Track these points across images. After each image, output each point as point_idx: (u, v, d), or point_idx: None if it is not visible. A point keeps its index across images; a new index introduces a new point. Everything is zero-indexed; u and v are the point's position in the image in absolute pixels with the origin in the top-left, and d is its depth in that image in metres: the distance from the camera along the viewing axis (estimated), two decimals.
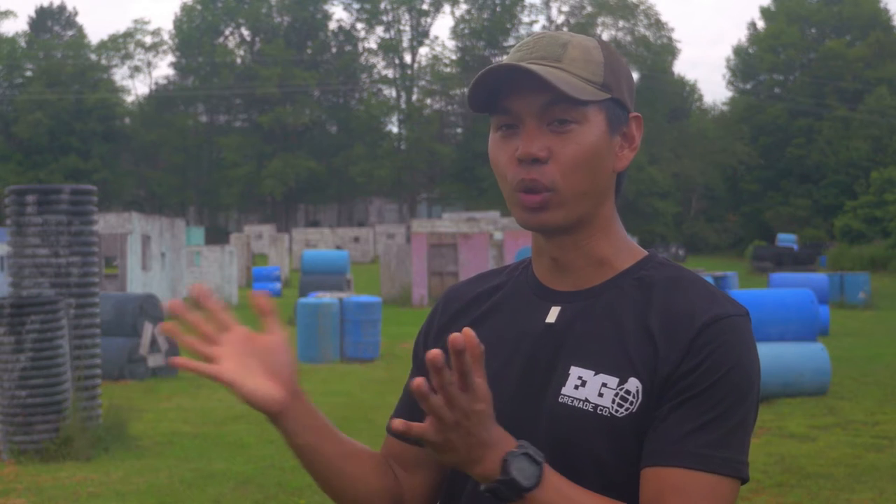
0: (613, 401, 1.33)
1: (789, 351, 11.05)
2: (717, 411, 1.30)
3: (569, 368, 1.37)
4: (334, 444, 1.45)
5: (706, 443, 1.29)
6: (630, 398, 1.33)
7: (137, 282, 24.89)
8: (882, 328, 20.83)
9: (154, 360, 13.65)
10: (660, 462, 1.30)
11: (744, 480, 1.33)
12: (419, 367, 1.56)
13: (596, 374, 1.35)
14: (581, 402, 1.34)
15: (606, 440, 1.33)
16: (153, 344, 13.68)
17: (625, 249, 1.45)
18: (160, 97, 79.59)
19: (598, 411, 1.33)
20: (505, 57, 1.44)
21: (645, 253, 1.47)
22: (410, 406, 1.53)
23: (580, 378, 1.36)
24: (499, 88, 1.39)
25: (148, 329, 13.61)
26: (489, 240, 29.75)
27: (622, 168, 1.43)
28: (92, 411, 8.80)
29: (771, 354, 10.89)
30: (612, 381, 1.34)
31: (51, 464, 7.97)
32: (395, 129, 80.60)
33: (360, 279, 37.27)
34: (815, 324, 11.39)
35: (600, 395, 1.34)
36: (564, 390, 1.36)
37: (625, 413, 1.32)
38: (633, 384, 1.33)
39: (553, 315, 1.43)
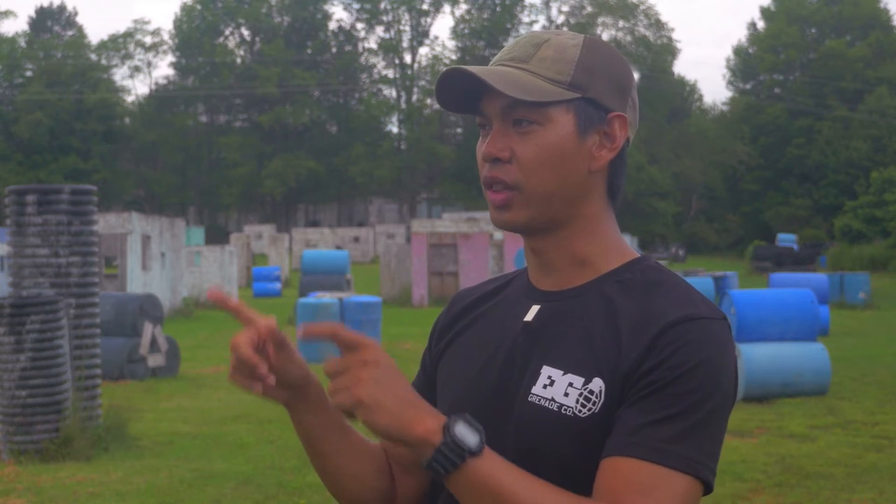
0: (577, 401, 1.32)
1: (789, 351, 11.05)
2: (677, 408, 1.27)
3: (541, 367, 1.37)
4: (339, 436, 1.46)
5: (662, 437, 1.26)
6: (593, 398, 1.31)
7: (137, 282, 24.87)
8: (882, 328, 20.81)
9: (154, 360, 13.64)
10: (615, 453, 1.27)
11: (705, 484, 1.28)
12: (424, 366, 1.59)
13: (564, 374, 1.34)
14: (548, 402, 1.33)
15: (569, 440, 1.31)
16: (153, 344, 13.66)
17: (612, 251, 1.43)
18: (160, 97, 79.57)
19: (563, 411, 1.32)
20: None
21: (635, 255, 1.44)
22: (422, 388, 1.55)
23: (549, 377, 1.35)
24: (477, 90, 1.39)
25: (148, 329, 13.60)
26: (489, 240, 29.72)
27: (598, 168, 1.40)
28: (92, 411, 8.79)
29: (771, 354, 10.89)
30: (578, 381, 1.33)
31: (51, 464, 7.97)
32: (395, 129, 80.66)
33: (360, 279, 37.27)
34: (815, 324, 11.38)
35: (566, 394, 1.33)
36: (534, 389, 1.35)
37: (587, 413, 1.31)
38: (597, 384, 1.32)
39: (531, 313, 1.42)
